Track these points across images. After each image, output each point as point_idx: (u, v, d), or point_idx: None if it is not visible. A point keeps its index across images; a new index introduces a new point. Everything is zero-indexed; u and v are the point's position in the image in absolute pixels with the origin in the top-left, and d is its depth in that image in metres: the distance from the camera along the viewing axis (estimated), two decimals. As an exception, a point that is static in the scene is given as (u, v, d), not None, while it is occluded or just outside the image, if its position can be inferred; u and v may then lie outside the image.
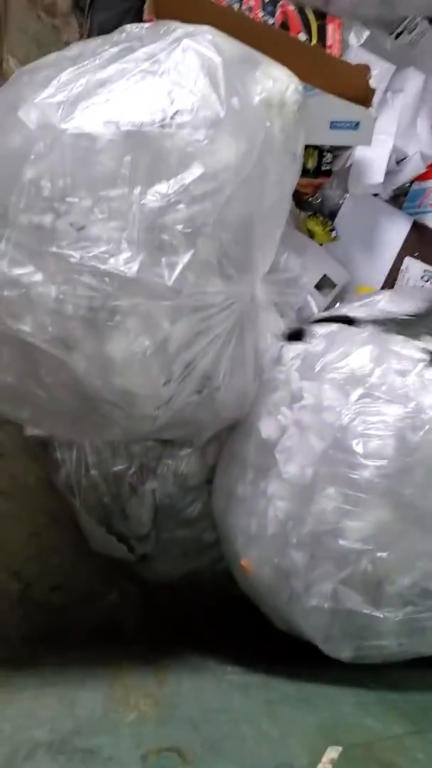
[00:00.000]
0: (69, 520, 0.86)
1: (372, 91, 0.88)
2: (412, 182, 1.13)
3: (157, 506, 0.79)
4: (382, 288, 1.11)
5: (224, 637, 0.84)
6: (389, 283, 1.11)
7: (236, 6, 0.92)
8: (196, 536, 0.81)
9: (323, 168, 0.98)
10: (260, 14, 0.93)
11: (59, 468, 0.80)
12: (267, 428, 0.68)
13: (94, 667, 0.69)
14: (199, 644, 0.76)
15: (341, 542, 0.61)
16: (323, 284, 1.07)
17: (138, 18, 0.92)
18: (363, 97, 0.88)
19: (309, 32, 0.95)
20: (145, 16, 0.80)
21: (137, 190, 0.58)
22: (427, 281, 1.12)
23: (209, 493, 0.79)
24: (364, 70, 0.88)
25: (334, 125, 0.90)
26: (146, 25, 0.70)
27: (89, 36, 0.92)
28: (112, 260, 0.57)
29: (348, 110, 0.88)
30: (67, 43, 0.95)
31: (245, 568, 0.67)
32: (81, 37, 0.94)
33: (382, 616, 0.62)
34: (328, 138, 0.93)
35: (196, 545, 0.82)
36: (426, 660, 0.66)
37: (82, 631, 0.91)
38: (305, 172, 0.97)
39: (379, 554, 0.61)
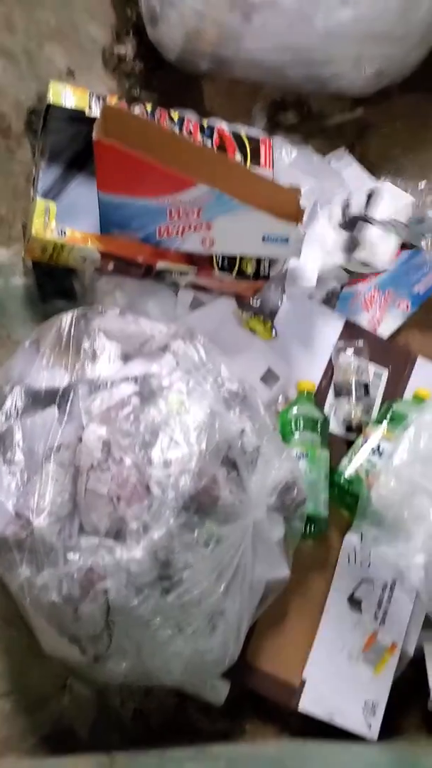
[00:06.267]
0: (20, 621, 0.85)
1: (301, 211, 0.97)
2: (343, 285, 1.22)
3: (109, 605, 0.79)
4: (321, 382, 1.17)
5: (182, 734, 0.83)
6: (328, 376, 1.18)
7: (177, 130, 1.01)
8: (150, 634, 0.81)
9: (261, 273, 1.05)
10: (199, 137, 1.02)
11: (12, 568, 0.80)
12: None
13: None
14: (156, 744, 0.75)
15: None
16: (267, 377, 1.13)
17: (87, 140, 1.00)
18: (293, 215, 0.96)
19: (244, 153, 1.04)
20: (94, 137, 0.86)
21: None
22: (361, 374, 1.19)
23: (162, 589, 0.80)
24: (295, 192, 0.97)
25: (265, 239, 0.97)
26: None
27: (41, 157, 0.98)
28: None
29: (279, 226, 0.96)
30: (20, 162, 1.01)
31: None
32: (33, 158, 1.00)
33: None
34: (259, 250, 1.00)
35: (151, 643, 0.82)
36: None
37: (33, 740, 0.89)
38: (245, 276, 1.04)
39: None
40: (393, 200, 1.21)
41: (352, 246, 1.17)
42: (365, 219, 1.14)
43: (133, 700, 0.96)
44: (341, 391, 1.16)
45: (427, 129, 1.42)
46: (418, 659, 1.08)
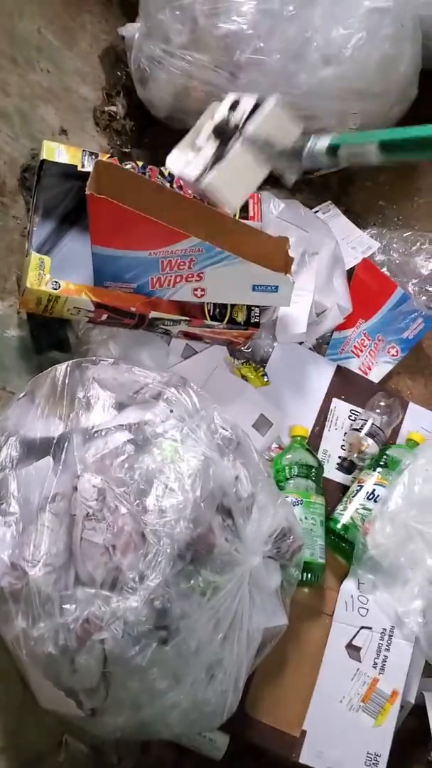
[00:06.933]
0: (16, 675, 0.84)
1: (290, 260, 0.99)
2: (332, 332, 1.24)
3: (106, 656, 0.78)
4: (314, 427, 1.18)
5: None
6: (320, 422, 1.19)
7: (168, 185, 1.04)
8: (147, 685, 0.80)
9: (252, 320, 1.06)
10: (190, 192, 1.05)
11: (8, 620, 0.79)
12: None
13: None
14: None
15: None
16: (260, 423, 1.13)
17: (80, 196, 1.03)
18: (282, 265, 0.98)
19: (233, 206, 1.07)
20: (88, 192, 0.88)
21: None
22: (353, 420, 1.20)
23: (159, 638, 0.79)
24: (283, 242, 0.99)
25: (255, 288, 0.99)
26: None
27: (35, 213, 1.01)
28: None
29: (268, 276, 0.98)
30: (15, 218, 1.03)
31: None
32: (28, 213, 1.03)
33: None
34: (250, 299, 1.02)
35: (148, 694, 0.80)
36: None
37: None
38: (236, 324, 1.05)
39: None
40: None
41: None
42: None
43: (131, 756, 0.94)
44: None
45: (409, 181, 1.47)
46: (419, 708, 1.06)
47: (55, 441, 0.86)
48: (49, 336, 1.06)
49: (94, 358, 0.97)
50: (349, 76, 1.19)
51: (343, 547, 1.10)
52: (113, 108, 1.29)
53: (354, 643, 1.05)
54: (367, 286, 1.29)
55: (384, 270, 1.34)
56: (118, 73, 1.34)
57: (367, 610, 1.07)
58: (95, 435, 0.88)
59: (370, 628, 1.06)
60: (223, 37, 1.15)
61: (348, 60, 1.17)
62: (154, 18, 1.19)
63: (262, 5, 1.14)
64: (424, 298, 1.32)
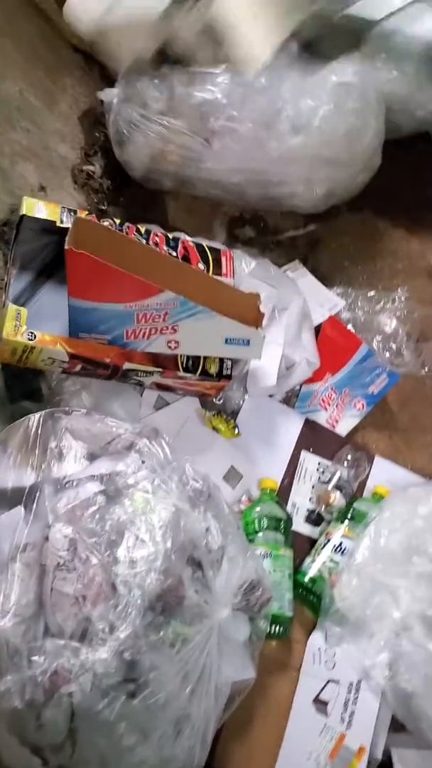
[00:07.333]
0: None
1: (261, 315, 1.02)
2: (301, 385, 1.27)
3: (73, 710, 0.77)
4: (283, 479, 1.20)
5: None
6: (289, 474, 1.20)
7: (144, 241, 1.07)
8: (115, 741, 0.79)
9: (224, 372, 1.09)
10: (165, 248, 1.08)
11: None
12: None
13: None
14: None
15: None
16: (230, 475, 1.15)
17: (57, 250, 1.05)
18: (254, 319, 1.01)
19: (206, 263, 1.10)
20: (66, 246, 0.91)
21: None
22: (322, 472, 1.22)
23: (127, 692, 0.79)
24: (255, 297, 1.03)
25: (228, 341, 1.02)
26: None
27: (13, 265, 1.03)
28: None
29: (240, 330, 1.01)
30: (-9, 271, 1.05)
31: None
32: (5, 266, 1.05)
33: None
34: (222, 352, 1.05)
35: (115, 750, 0.79)
36: None
37: None
38: (208, 376, 1.08)
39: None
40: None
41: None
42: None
43: None
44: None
45: (373, 244, 1.53)
46: (386, 765, 1.06)
47: (26, 491, 0.86)
48: (23, 386, 1.07)
49: (67, 408, 0.98)
50: (317, 145, 1.25)
51: (311, 599, 1.10)
52: (91, 167, 1.33)
53: (321, 697, 1.05)
54: (333, 341, 1.33)
55: (350, 327, 1.38)
56: (97, 134, 1.39)
57: (335, 663, 1.07)
58: (67, 485, 0.88)
59: (337, 682, 1.06)
60: (198, 105, 1.21)
61: (316, 130, 1.23)
62: (132, 85, 1.24)
63: (236, 77, 1.20)
64: (387, 354, 1.37)
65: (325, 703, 1.04)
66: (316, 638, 1.08)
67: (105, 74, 1.47)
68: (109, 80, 1.41)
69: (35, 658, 0.77)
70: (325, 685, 1.05)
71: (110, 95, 1.28)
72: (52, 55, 1.37)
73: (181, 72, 1.21)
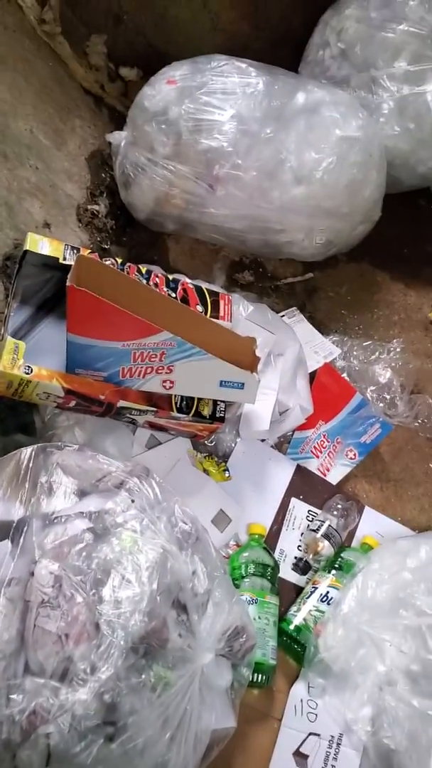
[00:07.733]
0: None
1: (257, 360, 1.03)
2: (294, 431, 1.27)
3: (50, 752, 0.75)
4: (272, 525, 1.19)
5: None
6: (278, 520, 1.20)
7: (145, 281, 1.08)
8: (89, 786, 0.77)
9: (218, 415, 1.09)
10: (165, 289, 1.10)
11: None
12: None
13: None
14: None
15: None
16: (219, 519, 1.14)
17: (58, 286, 1.07)
18: (249, 363, 1.02)
19: (205, 305, 1.12)
20: (68, 284, 0.92)
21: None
22: (311, 521, 1.21)
23: (106, 735, 0.77)
24: (251, 342, 1.04)
25: (222, 384, 1.03)
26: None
27: (14, 299, 1.04)
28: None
29: (235, 373, 1.02)
30: (-7, 304, 1.06)
31: None
32: (6, 299, 1.06)
33: None
34: (217, 394, 1.06)
35: (90, 797, 0.77)
36: None
37: None
38: (202, 417, 1.08)
39: None
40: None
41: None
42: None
43: None
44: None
45: (370, 294, 1.55)
46: None
47: (14, 525, 0.86)
48: (16, 419, 1.07)
49: (59, 443, 0.97)
50: (319, 196, 1.28)
51: (295, 648, 1.09)
52: (96, 207, 1.36)
53: (302, 750, 1.03)
54: (328, 389, 1.34)
55: (344, 375, 1.39)
56: (103, 174, 1.42)
57: (316, 715, 1.05)
58: (55, 521, 0.88)
59: (318, 735, 1.04)
60: (204, 151, 1.24)
61: (318, 181, 1.26)
62: (140, 128, 1.27)
63: (242, 126, 1.23)
64: (381, 404, 1.38)
65: (305, 757, 1.02)
66: (299, 689, 1.07)
67: (114, 116, 1.52)
68: (118, 123, 1.45)
69: (14, 696, 0.75)
70: (306, 738, 1.03)
71: (118, 138, 1.31)
72: (64, 95, 1.41)
73: (188, 118, 1.24)
